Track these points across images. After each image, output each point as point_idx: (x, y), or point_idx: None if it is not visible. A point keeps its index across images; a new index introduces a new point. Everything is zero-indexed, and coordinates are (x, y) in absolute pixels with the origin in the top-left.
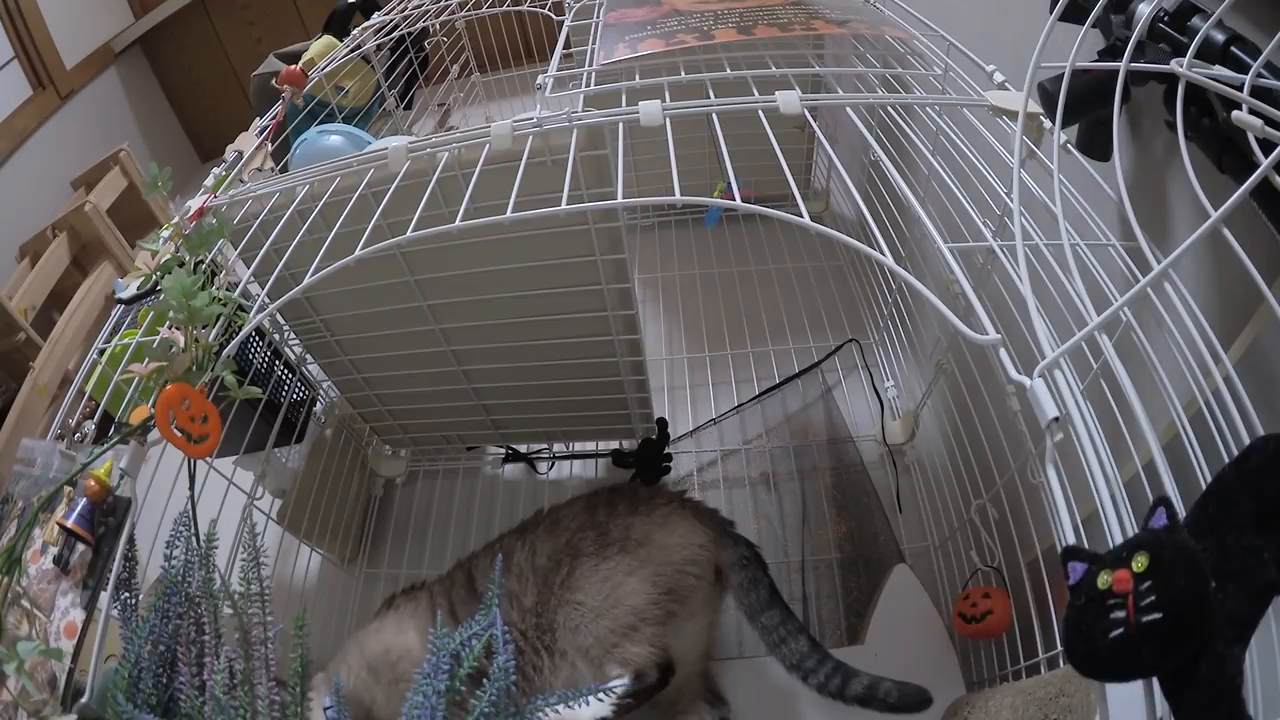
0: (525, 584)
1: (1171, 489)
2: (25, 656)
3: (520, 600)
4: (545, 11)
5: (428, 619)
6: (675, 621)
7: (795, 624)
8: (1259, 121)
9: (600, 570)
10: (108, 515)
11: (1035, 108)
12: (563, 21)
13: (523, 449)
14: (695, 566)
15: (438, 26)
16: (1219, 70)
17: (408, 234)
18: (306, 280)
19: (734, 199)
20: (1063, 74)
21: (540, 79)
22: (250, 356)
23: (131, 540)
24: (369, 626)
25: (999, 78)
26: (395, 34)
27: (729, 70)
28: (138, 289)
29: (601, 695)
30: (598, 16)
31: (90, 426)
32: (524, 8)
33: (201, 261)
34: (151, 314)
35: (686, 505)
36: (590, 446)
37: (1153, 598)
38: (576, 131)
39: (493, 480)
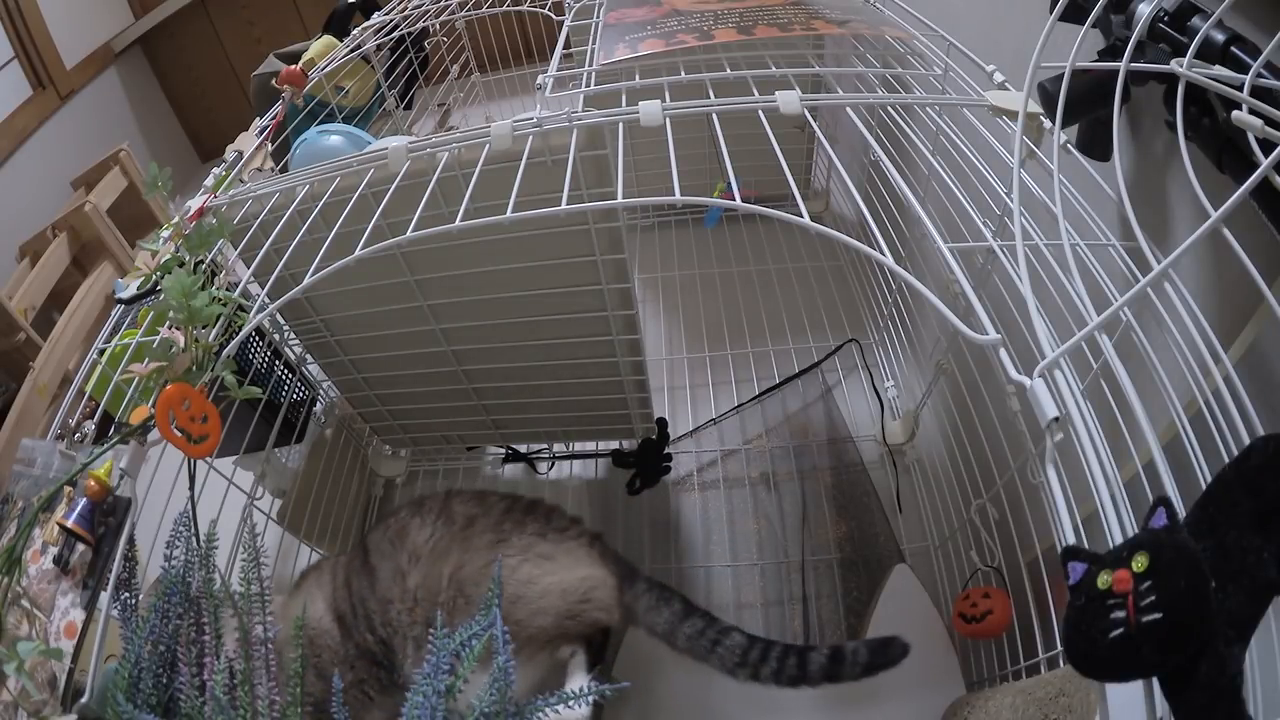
0: (414, 564)
1: (1171, 489)
2: (25, 656)
3: (405, 579)
4: (545, 11)
5: (330, 589)
6: (593, 607)
7: (722, 624)
8: (1259, 121)
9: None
10: (108, 515)
11: (1035, 108)
12: (563, 21)
13: (523, 449)
14: (598, 601)
15: (438, 26)
16: (1219, 70)
17: (408, 234)
18: (306, 280)
19: (734, 199)
20: (1063, 74)
21: (540, 79)
22: (250, 356)
23: (131, 540)
24: (284, 597)
25: (999, 78)
26: (395, 34)
27: (729, 70)
28: (138, 289)
29: (588, 698)
30: (598, 16)
31: (90, 426)
32: (524, 8)
33: (201, 261)
34: (151, 314)
35: (595, 545)
36: (590, 446)
37: (1153, 598)
38: (576, 131)
39: (493, 480)
